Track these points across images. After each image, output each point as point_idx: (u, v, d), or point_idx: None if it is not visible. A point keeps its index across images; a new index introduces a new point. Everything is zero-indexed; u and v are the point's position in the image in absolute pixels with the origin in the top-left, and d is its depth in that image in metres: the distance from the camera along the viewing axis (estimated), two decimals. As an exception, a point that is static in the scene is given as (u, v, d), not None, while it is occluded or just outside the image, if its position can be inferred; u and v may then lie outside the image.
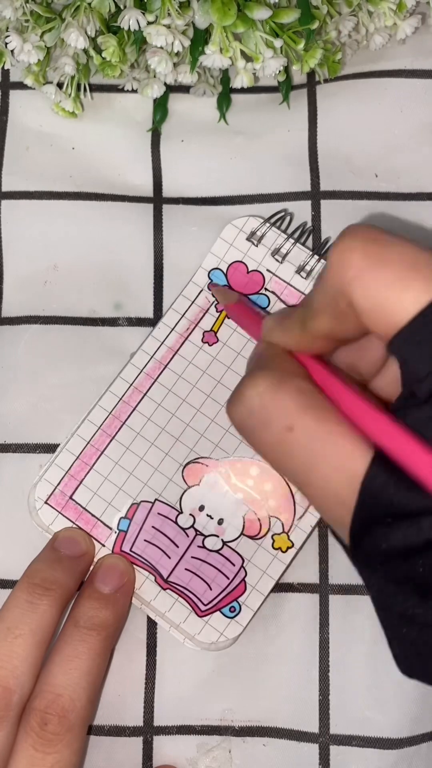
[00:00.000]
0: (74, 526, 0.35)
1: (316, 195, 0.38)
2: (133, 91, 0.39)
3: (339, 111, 0.39)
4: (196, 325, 0.36)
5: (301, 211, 0.38)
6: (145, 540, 0.35)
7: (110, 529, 0.35)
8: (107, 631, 0.32)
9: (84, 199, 0.39)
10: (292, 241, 0.37)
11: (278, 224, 0.37)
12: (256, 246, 0.37)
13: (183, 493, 0.35)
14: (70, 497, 0.35)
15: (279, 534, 0.35)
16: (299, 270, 0.37)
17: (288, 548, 0.34)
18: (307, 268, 0.37)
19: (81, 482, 0.35)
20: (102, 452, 0.35)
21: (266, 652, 0.35)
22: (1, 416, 0.37)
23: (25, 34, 0.36)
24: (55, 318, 0.37)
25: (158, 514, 0.35)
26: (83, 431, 0.35)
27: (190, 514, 0.35)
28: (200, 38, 0.35)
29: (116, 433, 0.35)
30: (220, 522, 0.35)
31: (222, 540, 0.34)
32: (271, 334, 0.28)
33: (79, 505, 0.35)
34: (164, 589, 0.34)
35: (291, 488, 0.35)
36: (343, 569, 0.35)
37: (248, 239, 0.37)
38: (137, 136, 0.39)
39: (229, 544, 0.34)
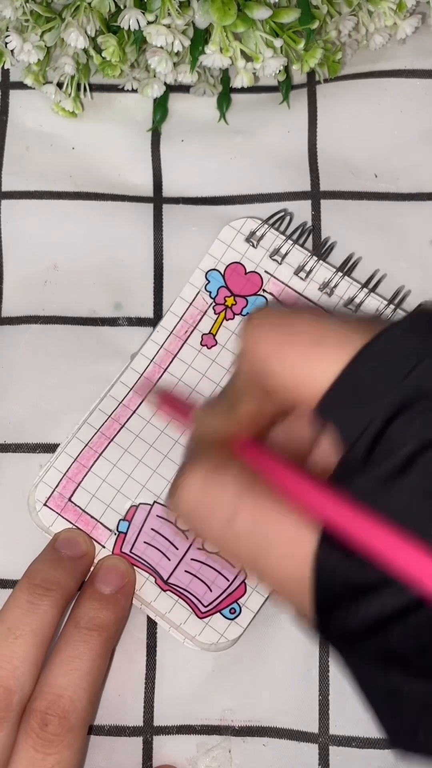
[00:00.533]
0: (74, 527, 0.35)
1: (315, 195, 0.38)
2: (133, 90, 0.39)
3: (339, 111, 0.39)
4: (195, 327, 0.36)
5: (301, 211, 0.38)
6: (144, 542, 0.35)
7: (110, 530, 0.35)
8: (108, 631, 0.32)
9: (84, 198, 0.39)
10: (291, 242, 0.37)
11: (277, 225, 0.37)
12: (255, 247, 0.37)
13: None
14: (69, 499, 0.35)
15: None
16: (298, 271, 0.37)
17: None
18: (306, 268, 0.36)
19: (79, 484, 0.35)
20: (100, 454, 0.35)
21: (266, 653, 0.35)
22: (1, 416, 0.37)
23: (25, 34, 0.36)
24: (55, 318, 0.37)
25: (157, 516, 0.35)
26: (82, 434, 0.35)
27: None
28: (200, 38, 0.35)
29: (115, 435, 0.35)
30: None
31: None
32: (202, 423, 0.27)
33: (78, 507, 0.35)
34: (164, 591, 0.34)
35: None
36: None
37: (247, 240, 0.37)
38: (137, 136, 0.39)
39: None
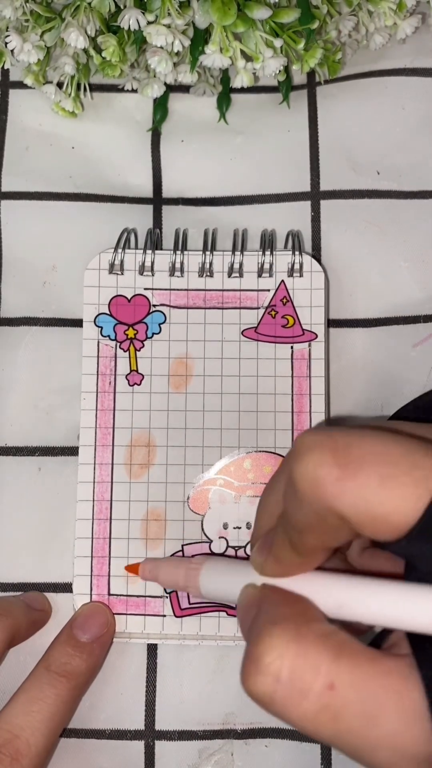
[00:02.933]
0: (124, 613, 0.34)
1: (316, 195, 0.38)
2: (133, 90, 0.39)
3: (339, 111, 0.39)
4: (114, 374, 0.36)
5: (301, 212, 0.38)
6: None
7: (160, 597, 0.34)
8: (77, 680, 0.32)
9: (83, 199, 0.39)
10: (149, 251, 0.36)
11: (127, 245, 0.37)
12: (122, 274, 0.37)
13: (202, 524, 0.35)
14: (109, 594, 0.34)
15: None
16: (171, 272, 0.36)
17: None
18: (177, 266, 0.36)
19: (109, 575, 0.34)
20: (110, 537, 0.35)
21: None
22: (1, 418, 0.37)
23: (25, 34, 0.36)
24: (54, 320, 0.37)
25: (192, 556, 0.34)
26: (80, 531, 0.35)
27: (220, 537, 0.35)
28: (200, 38, 0.35)
29: (110, 513, 0.35)
30: (249, 526, 0.34)
31: None
32: (265, 568, 0.24)
33: (120, 595, 0.34)
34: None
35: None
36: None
37: (111, 272, 0.37)
38: (137, 136, 0.39)
39: None
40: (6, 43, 0.36)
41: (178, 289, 0.36)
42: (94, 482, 0.35)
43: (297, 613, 0.22)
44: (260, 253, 0.36)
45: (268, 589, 0.24)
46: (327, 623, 0.21)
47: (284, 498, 0.22)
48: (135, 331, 0.36)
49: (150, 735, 0.34)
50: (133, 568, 0.33)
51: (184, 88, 0.40)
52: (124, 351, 0.36)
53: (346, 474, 0.20)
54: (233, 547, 0.34)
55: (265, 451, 0.35)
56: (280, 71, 0.35)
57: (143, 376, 0.36)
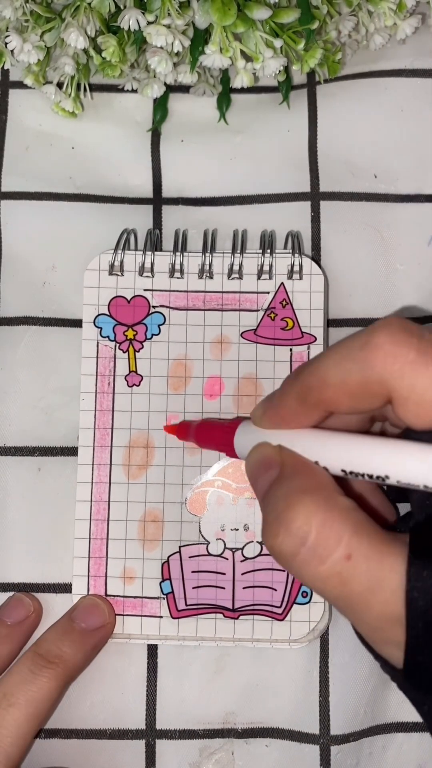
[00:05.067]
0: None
1: (315, 196, 0.38)
2: (133, 91, 0.39)
3: (339, 111, 0.39)
4: (113, 375, 0.36)
5: (301, 212, 0.38)
6: (193, 588, 0.34)
7: (157, 598, 0.34)
8: (66, 666, 0.32)
9: (83, 200, 0.39)
10: (149, 252, 0.37)
11: (127, 246, 0.37)
12: (122, 275, 0.37)
13: (199, 526, 0.35)
14: (106, 595, 0.34)
15: None
16: (171, 273, 0.36)
17: None
18: (176, 267, 0.36)
19: (106, 576, 0.35)
20: (107, 538, 0.35)
21: (267, 654, 0.35)
22: (0, 417, 0.37)
23: (25, 34, 0.36)
24: (54, 319, 0.37)
25: (190, 557, 0.35)
26: (78, 531, 0.35)
27: (218, 539, 0.35)
28: (200, 38, 0.35)
29: (108, 514, 0.35)
30: (246, 528, 0.35)
31: (258, 542, 0.34)
32: (263, 419, 0.26)
33: (117, 596, 0.34)
34: (236, 619, 0.34)
35: None
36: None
37: (111, 273, 0.37)
38: (137, 136, 0.39)
39: None
40: (6, 43, 0.36)
41: (177, 291, 0.36)
42: (92, 483, 0.35)
43: (322, 485, 0.24)
44: (260, 254, 0.36)
45: (287, 453, 0.25)
46: (347, 499, 0.23)
47: (332, 352, 0.24)
48: (134, 332, 0.36)
49: (151, 734, 0.34)
50: (171, 429, 0.34)
51: (184, 88, 0.40)
52: (124, 352, 0.36)
53: (420, 360, 0.22)
54: (231, 549, 0.34)
55: None
56: (280, 71, 0.35)
57: (142, 377, 0.36)
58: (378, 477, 0.23)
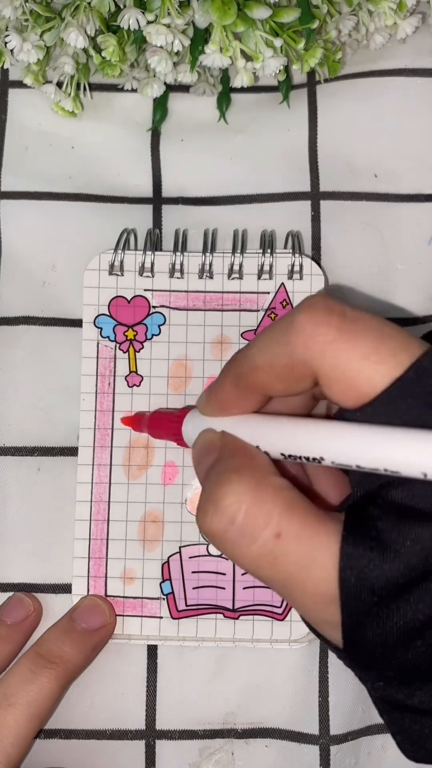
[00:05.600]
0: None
1: (315, 195, 0.38)
2: (133, 90, 0.39)
3: (339, 111, 0.39)
4: (114, 375, 0.36)
5: (301, 211, 0.38)
6: (193, 588, 0.34)
7: (157, 599, 0.34)
8: (66, 666, 0.32)
9: (83, 200, 0.39)
10: (149, 252, 0.36)
11: (127, 246, 0.37)
12: (122, 275, 0.37)
13: None
14: (106, 596, 0.34)
15: None
16: (171, 273, 0.36)
17: None
18: (176, 267, 0.36)
19: (106, 576, 0.35)
20: (107, 539, 0.35)
21: (267, 655, 0.35)
22: (0, 418, 0.37)
23: (24, 34, 0.36)
24: (53, 319, 0.37)
25: (190, 558, 0.35)
26: (78, 531, 0.35)
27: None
28: (200, 37, 0.35)
29: (108, 515, 0.35)
30: None
31: None
32: (206, 407, 0.26)
33: (117, 596, 0.34)
34: (237, 619, 0.34)
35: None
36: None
37: (111, 273, 0.37)
38: (137, 136, 0.39)
39: None
40: (6, 43, 0.36)
41: (177, 291, 0.36)
42: (92, 483, 0.35)
43: (256, 466, 0.24)
44: (260, 254, 0.36)
45: (227, 437, 0.25)
46: (281, 478, 0.23)
47: (259, 337, 0.24)
48: (134, 333, 0.36)
49: (151, 734, 0.34)
50: (126, 421, 0.35)
51: (184, 88, 0.39)
52: (124, 352, 0.36)
53: (341, 338, 0.22)
54: None
55: None
56: (280, 71, 0.35)
57: (142, 377, 0.36)
58: (314, 459, 0.23)
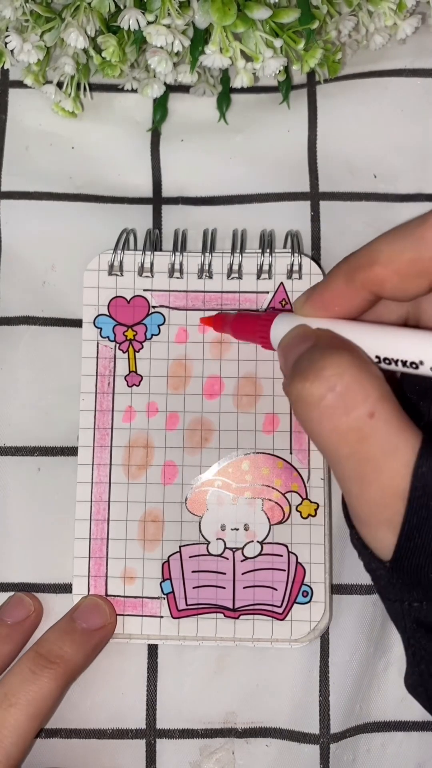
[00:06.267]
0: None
1: (315, 196, 0.38)
2: (133, 90, 0.39)
3: (339, 111, 0.39)
4: (113, 375, 0.36)
5: (301, 212, 0.38)
6: (193, 588, 0.34)
7: (157, 598, 0.34)
8: (66, 666, 0.32)
9: (83, 200, 0.39)
10: (149, 252, 0.37)
11: (126, 246, 0.37)
12: (122, 275, 0.37)
13: (199, 525, 0.35)
14: (106, 595, 0.34)
15: (300, 504, 0.35)
16: (171, 273, 0.36)
17: (316, 510, 0.34)
18: (176, 267, 0.36)
19: (107, 576, 0.35)
20: (107, 538, 0.35)
21: (267, 654, 0.35)
22: (0, 418, 0.37)
23: (24, 34, 0.36)
24: (53, 319, 0.37)
25: (190, 557, 0.35)
26: (78, 531, 0.35)
27: (218, 539, 0.35)
28: (200, 38, 0.35)
29: (108, 515, 0.35)
30: (246, 527, 0.35)
31: (258, 542, 0.34)
32: (305, 305, 0.26)
33: (118, 596, 0.34)
34: (237, 618, 0.34)
35: (285, 459, 0.35)
36: (342, 570, 0.35)
37: (110, 273, 0.37)
38: (137, 136, 0.39)
39: (265, 541, 0.34)
40: (6, 43, 0.36)
41: (177, 291, 0.36)
42: (92, 483, 0.35)
43: (358, 352, 0.24)
44: (259, 253, 0.36)
45: (323, 330, 0.26)
46: (379, 371, 0.24)
47: (384, 235, 0.24)
48: (134, 333, 0.36)
49: (151, 734, 0.34)
50: (207, 321, 0.35)
51: (184, 88, 0.40)
52: (123, 352, 0.36)
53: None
54: (231, 549, 0.34)
55: (263, 453, 0.35)
56: (280, 71, 0.35)
57: (142, 377, 0.36)
58: (412, 363, 0.23)
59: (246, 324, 0.32)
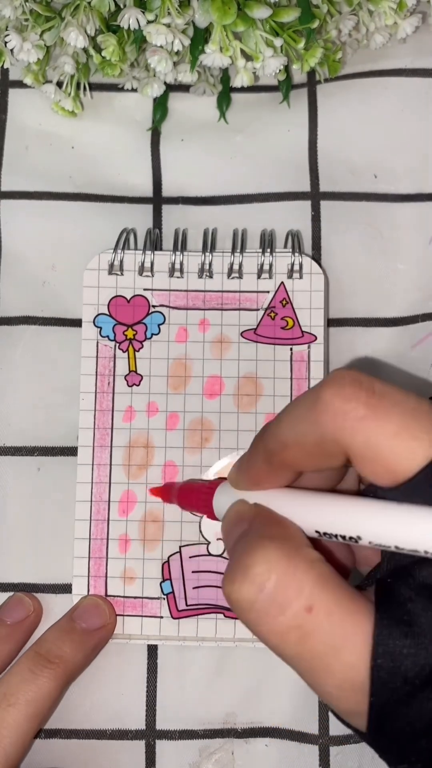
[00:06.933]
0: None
1: (315, 196, 0.38)
2: (133, 90, 0.39)
3: (339, 110, 0.39)
4: (113, 374, 0.36)
5: (301, 211, 0.38)
6: (193, 588, 0.34)
7: (157, 599, 0.34)
8: (66, 666, 0.32)
9: (83, 199, 0.39)
10: (149, 252, 0.36)
11: (126, 245, 0.37)
12: (122, 274, 0.36)
13: (200, 526, 0.35)
14: (106, 596, 0.34)
15: None
16: (171, 272, 0.36)
17: None
18: (176, 267, 0.36)
19: (106, 576, 0.35)
20: (107, 539, 0.35)
21: (267, 654, 0.35)
22: (0, 417, 0.37)
23: (24, 33, 0.36)
24: (53, 319, 0.37)
25: (190, 557, 0.35)
26: (78, 531, 0.35)
27: (218, 539, 0.34)
28: (200, 37, 0.35)
29: (108, 515, 0.35)
30: None
31: None
32: (237, 481, 0.26)
33: (118, 596, 0.34)
34: (237, 618, 0.34)
35: None
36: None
37: (110, 273, 0.36)
38: (137, 136, 0.39)
39: None
40: (6, 43, 0.36)
41: (177, 290, 0.36)
42: (92, 483, 0.35)
43: (290, 536, 0.23)
44: (260, 253, 0.36)
45: (260, 508, 0.25)
46: (315, 551, 0.22)
47: (286, 413, 0.23)
48: (134, 332, 0.36)
49: (151, 734, 0.34)
50: (156, 491, 0.34)
51: (184, 88, 0.39)
52: (123, 351, 0.36)
53: (370, 415, 0.21)
54: None
55: None
56: (280, 70, 0.35)
57: (142, 376, 0.36)
58: (350, 538, 0.22)
59: (190, 495, 0.32)
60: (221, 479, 0.29)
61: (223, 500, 0.27)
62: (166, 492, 0.34)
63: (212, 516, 0.29)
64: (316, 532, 0.23)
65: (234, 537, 0.24)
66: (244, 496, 0.26)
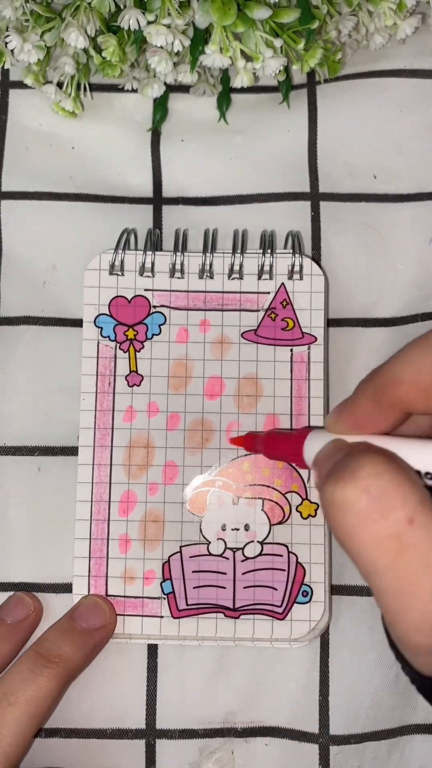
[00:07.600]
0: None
1: (315, 196, 0.38)
2: (133, 90, 0.39)
3: (339, 111, 0.39)
4: (114, 375, 0.36)
5: (301, 212, 0.38)
6: (194, 588, 0.34)
7: (157, 598, 0.34)
8: (66, 665, 0.32)
9: (83, 200, 0.39)
10: (150, 252, 0.37)
11: (127, 246, 0.37)
12: (123, 275, 0.37)
13: (200, 526, 0.35)
14: (106, 595, 0.34)
15: (300, 504, 0.35)
16: (172, 273, 0.36)
17: (316, 510, 0.35)
18: (177, 267, 0.36)
19: (107, 576, 0.35)
20: (108, 538, 0.35)
21: (267, 654, 0.35)
22: (0, 417, 0.37)
23: (25, 34, 0.36)
24: (54, 319, 0.37)
25: (190, 557, 0.35)
26: (78, 531, 0.35)
27: (218, 539, 0.35)
28: (200, 38, 0.35)
29: (108, 515, 0.35)
30: (247, 528, 0.35)
31: (258, 542, 0.34)
32: (337, 424, 0.25)
33: (118, 596, 0.34)
34: (237, 618, 0.34)
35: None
36: (343, 570, 0.35)
37: (111, 273, 0.37)
38: (137, 136, 0.39)
39: (266, 541, 0.34)
40: (6, 43, 0.36)
41: (178, 291, 0.36)
42: (92, 483, 0.35)
43: (395, 457, 0.22)
44: (260, 254, 0.36)
45: (359, 443, 0.24)
46: (419, 478, 0.22)
47: (403, 351, 0.23)
48: (135, 332, 0.36)
49: (151, 734, 0.34)
50: (237, 441, 0.34)
51: (184, 88, 0.40)
52: (124, 352, 0.36)
53: None
54: (231, 549, 0.34)
55: None
56: (280, 71, 0.35)
57: (143, 377, 0.36)
58: None
59: (278, 443, 0.31)
60: (310, 428, 0.28)
61: (315, 445, 0.27)
62: (249, 441, 0.33)
63: (302, 463, 0.28)
64: (417, 472, 0.23)
65: (330, 463, 0.23)
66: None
